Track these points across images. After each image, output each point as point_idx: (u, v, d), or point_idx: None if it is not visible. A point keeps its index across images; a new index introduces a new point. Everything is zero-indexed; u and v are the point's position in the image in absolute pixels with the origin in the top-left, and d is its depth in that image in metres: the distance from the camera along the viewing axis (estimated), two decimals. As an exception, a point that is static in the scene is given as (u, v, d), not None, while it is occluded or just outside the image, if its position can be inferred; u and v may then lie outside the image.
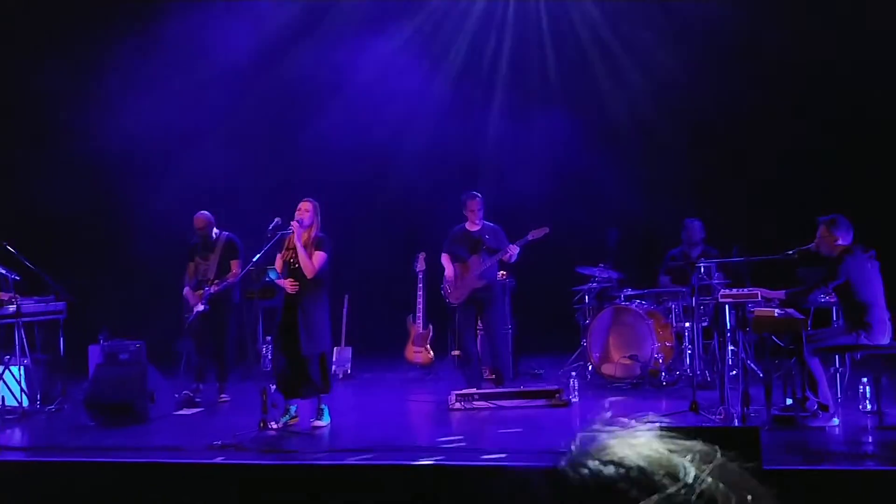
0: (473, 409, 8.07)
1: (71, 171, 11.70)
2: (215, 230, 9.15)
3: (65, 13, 11.69)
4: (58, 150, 11.90)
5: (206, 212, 9.20)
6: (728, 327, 7.57)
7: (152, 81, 11.55)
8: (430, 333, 10.44)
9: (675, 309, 9.42)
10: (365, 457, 6.21)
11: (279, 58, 12.11)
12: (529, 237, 8.78)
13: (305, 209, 7.63)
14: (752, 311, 7.13)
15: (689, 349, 8.96)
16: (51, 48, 11.58)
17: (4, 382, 8.57)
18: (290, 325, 7.55)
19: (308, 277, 7.53)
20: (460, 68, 12.35)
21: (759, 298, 7.11)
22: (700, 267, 8.31)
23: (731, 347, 7.90)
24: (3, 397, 8.50)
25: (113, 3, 11.91)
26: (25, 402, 8.60)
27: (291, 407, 7.62)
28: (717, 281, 8.99)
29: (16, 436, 7.88)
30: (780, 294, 7.16)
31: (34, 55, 11.58)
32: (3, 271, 9.11)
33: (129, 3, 11.89)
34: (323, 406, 7.59)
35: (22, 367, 8.73)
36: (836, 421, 6.87)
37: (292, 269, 7.61)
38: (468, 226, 9.04)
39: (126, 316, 10.46)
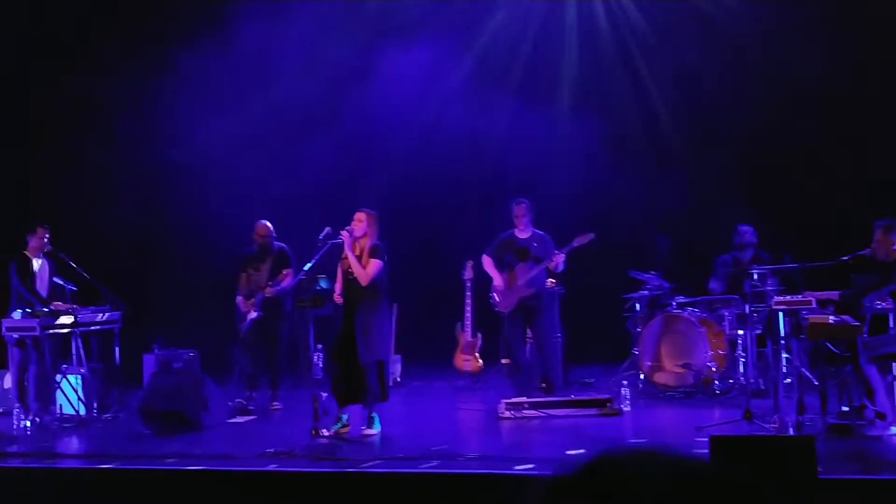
0: (523, 417, 8.04)
1: (126, 180, 11.85)
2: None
3: (128, 21, 11.88)
4: (114, 159, 12.03)
5: (266, 221, 9.34)
6: (782, 334, 7.46)
7: (210, 89, 11.63)
8: (479, 341, 10.43)
9: (727, 316, 9.29)
10: (414, 465, 6.23)
11: (320, 64, 12.12)
12: (574, 244, 8.72)
13: (359, 219, 7.70)
14: (807, 318, 7.02)
15: (743, 357, 8.85)
16: (114, 56, 11.69)
17: (62, 391, 8.74)
18: (347, 334, 7.60)
19: (363, 285, 7.58)
20: (500, 74, 12.27)
21: (814, 305, 7.00)
22: (754, 273, 8.20)
23: (785, 355, 7.79)
24: (60, 406, 8.68)
25: (175, 8, 12.06)
26: (82, 411, 8.75)
27: (343, 415, 7.66)
28: (770, 287, 8.86)
29: (73, 444, 8.04)
30: (834, 294, 7.05)
31: (100, 64, 11.67)
32: (61, 282, 9.34)
33: (190, 10, 12.01)
34: (374, 414, 7.61)
35: (79, 377, 8.91)
36: (894, 429, 6.73)
37: (350, 279, 7.68)
38: (517, 232, 9.01)
39: (180, 325, 10.58)
